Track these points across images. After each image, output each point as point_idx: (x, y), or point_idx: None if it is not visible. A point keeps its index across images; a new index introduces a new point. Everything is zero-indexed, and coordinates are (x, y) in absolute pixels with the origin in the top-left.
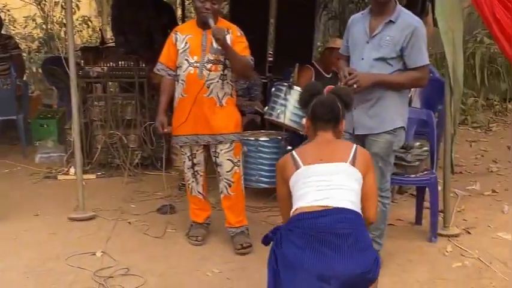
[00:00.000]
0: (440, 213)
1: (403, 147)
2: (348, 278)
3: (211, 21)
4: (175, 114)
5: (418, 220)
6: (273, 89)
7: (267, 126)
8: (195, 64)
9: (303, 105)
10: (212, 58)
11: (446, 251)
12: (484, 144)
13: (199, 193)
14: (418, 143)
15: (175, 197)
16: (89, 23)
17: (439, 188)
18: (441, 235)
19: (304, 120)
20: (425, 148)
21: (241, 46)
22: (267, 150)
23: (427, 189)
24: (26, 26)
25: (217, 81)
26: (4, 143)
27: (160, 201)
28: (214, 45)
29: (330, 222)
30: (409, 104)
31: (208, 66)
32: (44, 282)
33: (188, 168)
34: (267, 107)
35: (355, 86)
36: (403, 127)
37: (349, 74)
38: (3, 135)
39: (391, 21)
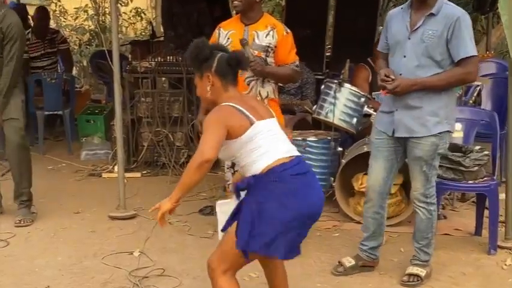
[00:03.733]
0: (502, 224)
1: (461, 151)
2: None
3: (247, 48)
4: None
5: (478, 230)
6: (323, 87)
7: (322, 127)
8: None
9: (202, 61)
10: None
11: (505, 265)
12: None
13: None
14: (477, 147)
15: (219, 197)
16: (143, 15)
17: (502, 196)
18: (501, 247)
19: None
20: (485, 152)
21: (286, 49)
22: (315, 151)
23: None
24: (77, 18)
25: (257, 79)
26: (50, 138)
27: (204, 202)
28: (256, 41)
29: (302, 166)
30: (479, 104)
31: None
32: (78, 280)
33: (228, 168)
34: (315, 106)
35: (389, 89)
36: (448, 131)
37: (387, 76)
38: (49, 130)
39: (432, 13)
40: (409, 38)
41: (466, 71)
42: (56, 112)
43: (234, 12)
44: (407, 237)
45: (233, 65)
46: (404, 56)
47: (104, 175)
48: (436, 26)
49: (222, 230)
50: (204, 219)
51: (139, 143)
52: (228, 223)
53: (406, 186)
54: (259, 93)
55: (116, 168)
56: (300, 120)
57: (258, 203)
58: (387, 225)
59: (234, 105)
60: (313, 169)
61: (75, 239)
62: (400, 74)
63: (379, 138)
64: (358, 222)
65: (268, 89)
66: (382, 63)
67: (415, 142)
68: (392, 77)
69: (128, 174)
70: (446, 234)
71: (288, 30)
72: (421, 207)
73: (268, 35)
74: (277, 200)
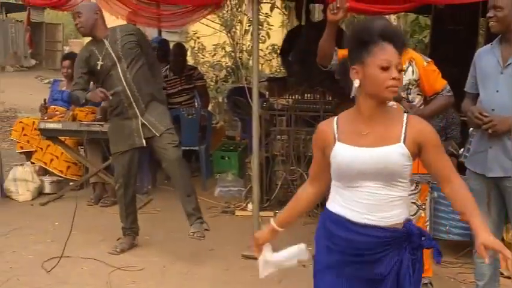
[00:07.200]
0: None
1: None
2: None
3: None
4: None
5: None
6: (471, 129)
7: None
8: None
9: None
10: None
11: None
12: None
13: None
14: None
15: None
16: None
17: None
18: None
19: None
20: None
21: (432, 78)
22: None
23: None
24: (214, 54)
25: None
26: None
27: None
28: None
29: None
30: None
31: None
32: None
33: None
34: (462, 149)
35: (490, 131)
36: None
37: (482, 115)
38: None
39: None
40: (502, 73)
41: None
42: (192, 147)
43: None
44: None
45: None
46: (497, 91)
47: (237, 213)
48: None
49: None
50: None
51: (273, 182)
52: None
53: None
54: None
55: (249, 206)
56: None
57: None
58: None
59: None
60: (456, 217)
61: (209, 277)
62: (493, 110)
63: (477, 182)
64: (507, 277)
65: None
66: (468, 102)
67: None
68: (486, 114)
69: (261, 213)
70: None
71: (428, 59)
72: None
73: (407, 72)
74: None
